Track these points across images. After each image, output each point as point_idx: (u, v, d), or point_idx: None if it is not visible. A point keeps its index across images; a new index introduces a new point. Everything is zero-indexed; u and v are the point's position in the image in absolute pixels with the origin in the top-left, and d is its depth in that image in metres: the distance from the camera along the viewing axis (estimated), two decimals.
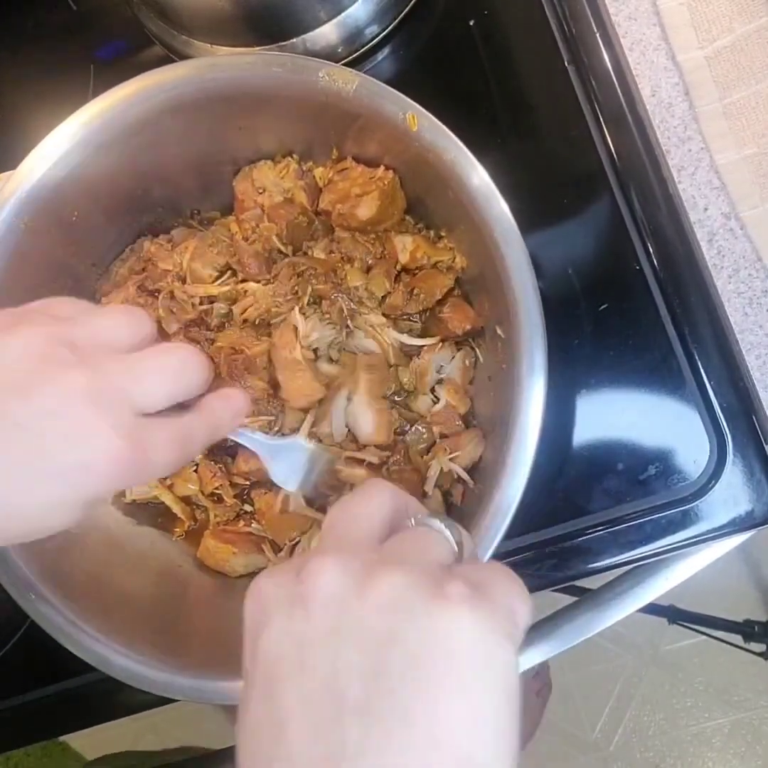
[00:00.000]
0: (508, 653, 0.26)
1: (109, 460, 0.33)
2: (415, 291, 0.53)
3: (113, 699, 0.59)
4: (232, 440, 0.46)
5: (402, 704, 0.24)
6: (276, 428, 0.53)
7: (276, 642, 0.27)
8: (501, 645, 0.26)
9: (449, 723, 0.24)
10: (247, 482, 0.56)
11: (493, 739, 0.25)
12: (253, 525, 0.56)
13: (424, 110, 0.46)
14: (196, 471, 0.57)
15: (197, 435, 0.37)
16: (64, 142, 0.49)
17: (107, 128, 0.49)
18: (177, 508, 0.56)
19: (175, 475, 0.57)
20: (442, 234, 0.54)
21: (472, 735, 0.25)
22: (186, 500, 0.57)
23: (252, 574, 0.56)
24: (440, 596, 0.26)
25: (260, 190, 0.55)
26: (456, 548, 0.31)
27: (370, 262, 0.54)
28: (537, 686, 1.32)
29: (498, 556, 0.53)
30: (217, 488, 0.56)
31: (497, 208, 0.45)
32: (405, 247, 0.53)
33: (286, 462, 0.48)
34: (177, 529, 0.57)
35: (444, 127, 0.46)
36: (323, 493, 0.52)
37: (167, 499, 0.56)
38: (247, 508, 0.56)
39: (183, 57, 0.60)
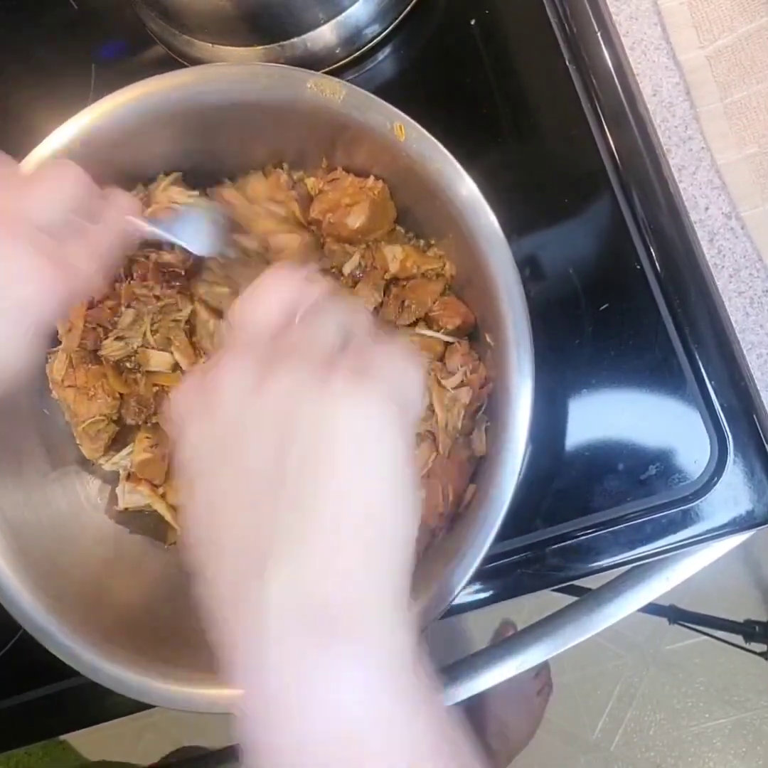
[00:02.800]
0: (386, 424, 0.29)
1: (37, 277, 0.34)
2: (406, 302, 0.53)
3: (113, 698, 0.58)
4: (140, 235, 0.46)
5: (303, 484, 0.28)
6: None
7: (193, 444, 0.31)
8: (381, 416, 0.29)
9: (342, 494, 0.28)
10: None
11: (386, 494, 0.29)
12: None
13: (411, 120, 0.46)
14: None
15: (103, 239, 0.39)
16: (58, 149, 0.49)
17: (95, 139, 0.50)
18: (169, 517, 0.56)
19: (168, 485, 0.56)
20: (432, 242, 0.54)
21: (365, 496, 0.28)
22: (178, 509, 0.57)
23: None
24: (322, 385, 0.29)
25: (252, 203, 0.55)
26: (347, 329, 0.33)
27: (358, 274, 0.54)
28: (537, 686, 1.32)
29: (497, 555, 0.53)
30: None
31: (484, 218, 0.45)
32: (395, 257, 0.53)
33: (191, 232, 0.49)
34: (169, 537, 0.57)
35: (432, 138, 0.46)
36: (237, 249, 0.51)
37: (160, 507, 0.56)
38: None
39: (184, 57, 0.60)
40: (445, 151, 0.46)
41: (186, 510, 0.31)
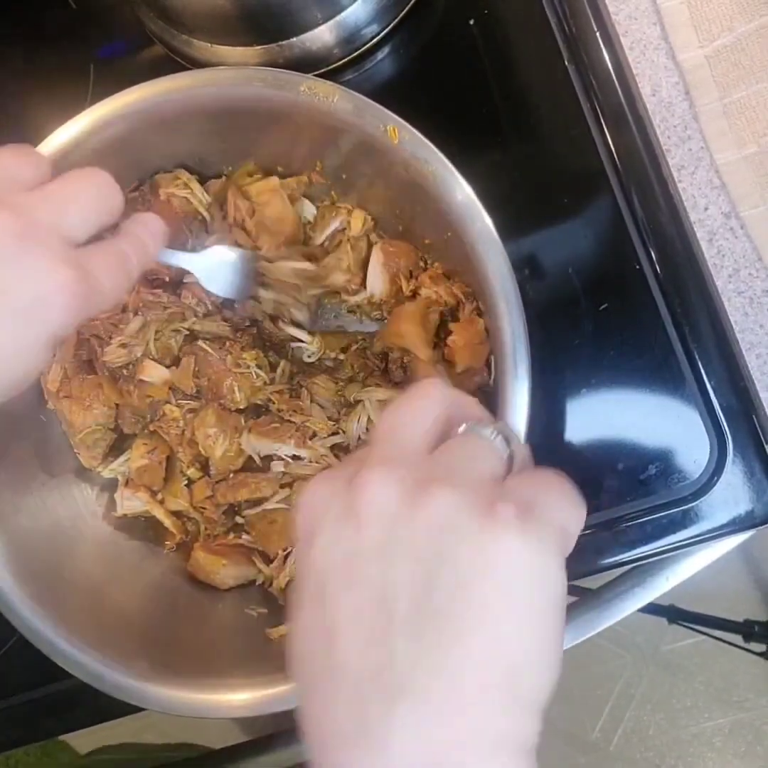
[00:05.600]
0: (556, 571, 0.27)
1: (61, 290, 0.34)
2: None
3: (113, 699, 0.59)
4: (162, 263, 0.47)
5: (450, 623, 0.25)
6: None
7: (327, 552, 0.28)
8: (549, 564, 0.26)
9: (497, 642, 0.25)
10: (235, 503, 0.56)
11: (538, 652, 0.26)
12: (243, 536, 0.56)
13: (405, 123, 0.46)
14: (188, 486, 0.57)
15: (130, 258, 0.39)
16: (56, 150, 0.50)
17: (92, 142, 0.50)
18: (168, 522, 0.56)
19: (166, 490, 0.57)
20: (428, 241, 0.54)
21: (519, 652, 0.25)
22: (177, 514, 0.57)
23: (242, 587, 0.56)
24: (489, 517, 0.26)
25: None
26: (506, 458, 0.30)
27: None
28: None
29: None
30: (203, 506, 0.56)
31: (480, 222, 0.45)
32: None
33: (216, 273, 0.49)
34: (168, 542, 0.57)
35: (425, 140, 0.46)
36: (256, 296, 0.52)
37: (158, 513, 0.56)
38: (239, 520, 0.56)
39: (183, 56, 0.60)
40: (440, 153, 0.46)
41: (302, 613, 0.28)
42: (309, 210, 0.56)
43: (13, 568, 0.49)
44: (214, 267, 0.49)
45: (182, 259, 0.47)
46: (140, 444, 0.56)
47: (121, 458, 0.57)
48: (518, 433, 0.44)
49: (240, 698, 0.46)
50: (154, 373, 0.55)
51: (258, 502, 0.55)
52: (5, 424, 0.53)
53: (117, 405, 0.56)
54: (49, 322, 0.34)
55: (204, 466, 0.56)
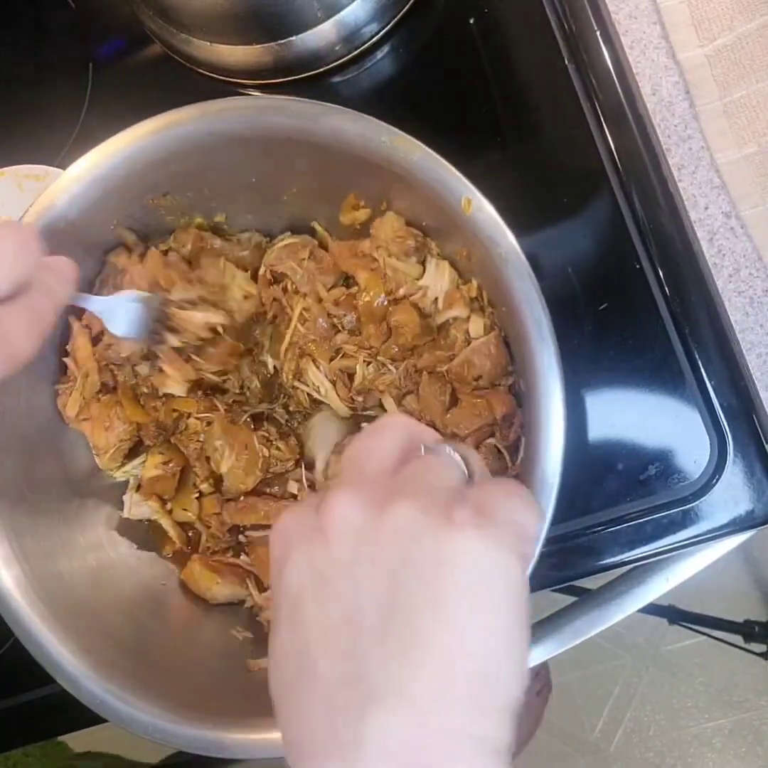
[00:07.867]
0: (513, 568, 0.27)
1: None
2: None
3: None
4: (72, 305, 0.47)
5: (415, 626, 0.26)
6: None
7: (298, 574, 0.29)
8: (506, 562, 0.27)
9: (460, 640, 0.26)
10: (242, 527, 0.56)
11: (503, 650, 0.27)
12: (241, 557, 0.55)
13: (481, 196, 0.45)
14: (199, 499, 0.56)
15: (43, 310, 0.38)
16: (71, 188, 0.49)
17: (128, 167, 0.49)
18: (172, 532, 0.56)
19: (176, 502, 0.56)
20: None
21: (482, 649, 0.26)
22: (182, 524, 0.57)
23: (231, 605, 0.55)
24: (447, 522, 0.27)
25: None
26: (465, 471, 0.32)
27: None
28: (537, 686, 1.32)
29: None
30: (210, 521, 0.56)
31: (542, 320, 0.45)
32: None
33: (124, 316, 0.50)
34: (167, 549, 0.57)
35: (498, 218, 0.45)
36: (161, 338, 0.52)
37: (165, 522, 0.56)
38: (242, 538, 0.56)
39: (183, 55, 0.60)
40: (510, 234, 0.45)
41: (277, 636, 0.29)
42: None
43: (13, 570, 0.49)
44: (119, 309, 0.50)
45: (90, 303, 0.48)
46: (156, 453, 0.56)
47: (136, 461, 0.57)
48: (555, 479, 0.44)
49: (231, 737, 0.46)
50: (175, 381, 0.55)
51: (265, 527, 0.54)
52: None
53: (138, 423, 0.56)
54: None
55: (217, 483, 0.56)
